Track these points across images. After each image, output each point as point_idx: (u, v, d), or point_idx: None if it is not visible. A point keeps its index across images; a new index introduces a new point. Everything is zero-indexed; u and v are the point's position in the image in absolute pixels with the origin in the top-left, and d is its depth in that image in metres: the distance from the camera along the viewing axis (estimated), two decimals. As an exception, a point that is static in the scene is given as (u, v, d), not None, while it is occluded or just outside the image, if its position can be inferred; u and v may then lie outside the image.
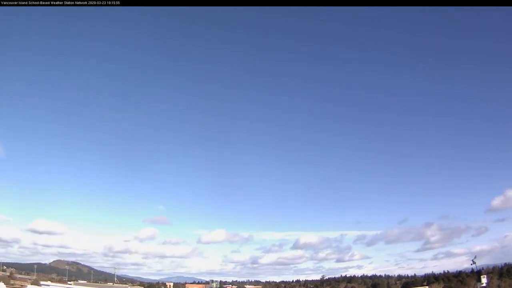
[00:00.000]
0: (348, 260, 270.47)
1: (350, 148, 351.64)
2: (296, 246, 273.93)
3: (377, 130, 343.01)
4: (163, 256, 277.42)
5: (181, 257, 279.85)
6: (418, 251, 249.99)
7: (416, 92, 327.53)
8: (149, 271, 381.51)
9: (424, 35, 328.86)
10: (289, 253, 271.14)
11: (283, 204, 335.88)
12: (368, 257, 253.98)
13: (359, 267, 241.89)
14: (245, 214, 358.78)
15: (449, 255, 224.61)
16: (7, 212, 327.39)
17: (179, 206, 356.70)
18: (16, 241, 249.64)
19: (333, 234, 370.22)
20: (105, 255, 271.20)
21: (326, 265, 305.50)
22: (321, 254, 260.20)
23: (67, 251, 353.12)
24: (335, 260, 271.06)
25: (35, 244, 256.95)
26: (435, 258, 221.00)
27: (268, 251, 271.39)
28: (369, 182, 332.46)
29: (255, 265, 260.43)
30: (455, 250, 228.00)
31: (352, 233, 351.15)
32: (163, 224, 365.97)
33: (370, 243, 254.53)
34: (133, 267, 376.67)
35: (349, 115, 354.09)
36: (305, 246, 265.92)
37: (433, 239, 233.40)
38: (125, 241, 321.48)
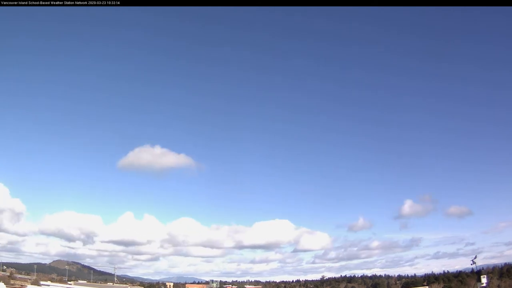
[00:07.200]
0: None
1: (351, 147, 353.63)
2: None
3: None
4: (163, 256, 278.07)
5: (180, 256, 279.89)
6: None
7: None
8: (149, 271, 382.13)
9: (424, 36, 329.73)
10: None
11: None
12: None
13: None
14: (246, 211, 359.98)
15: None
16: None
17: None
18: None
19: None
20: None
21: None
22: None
23: (68, 251, 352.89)
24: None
25: (36, 243, 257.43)
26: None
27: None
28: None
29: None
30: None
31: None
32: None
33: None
34: (133, 267, 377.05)
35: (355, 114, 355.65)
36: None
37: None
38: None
